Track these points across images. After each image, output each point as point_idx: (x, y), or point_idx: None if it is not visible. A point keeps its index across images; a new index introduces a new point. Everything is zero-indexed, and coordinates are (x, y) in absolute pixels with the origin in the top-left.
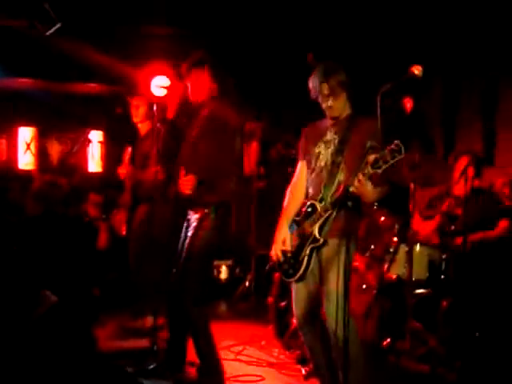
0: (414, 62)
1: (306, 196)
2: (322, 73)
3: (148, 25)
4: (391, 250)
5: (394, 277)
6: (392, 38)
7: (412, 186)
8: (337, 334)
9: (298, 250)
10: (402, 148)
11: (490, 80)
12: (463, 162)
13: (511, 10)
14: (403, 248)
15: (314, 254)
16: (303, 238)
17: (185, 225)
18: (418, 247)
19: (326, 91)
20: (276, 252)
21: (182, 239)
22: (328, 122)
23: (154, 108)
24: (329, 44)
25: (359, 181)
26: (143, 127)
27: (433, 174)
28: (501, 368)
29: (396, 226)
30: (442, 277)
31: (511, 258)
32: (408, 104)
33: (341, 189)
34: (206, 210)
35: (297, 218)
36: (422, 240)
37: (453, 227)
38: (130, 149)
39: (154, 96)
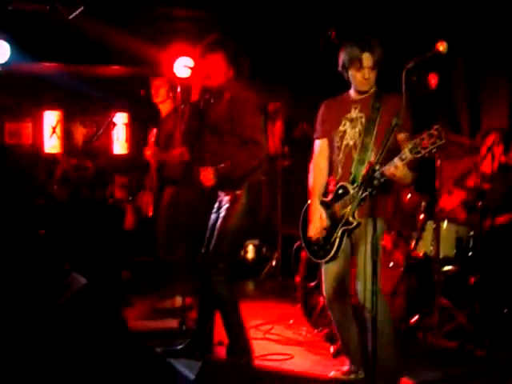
0: (439, 38)
1: (330, 174)
2: (367, 43)
3: (171, 6)
4: (418, 227)
5: (421, 254)
6: (416, 14)
7: (438, 162)
8: (367, 311)
9: (328, 231)
10: (442, 133)
11: None
12: (491, 138)
13: None
14: (430, 225)
15: (346, 236)
16: (334, 220)
17: (216, 205)
18: (445, 224)
19: (368, 62)
20: (315, 231)
21: (212, 220)
22: (349, 99)
23: (178, 89)
24: (351, 20)
25: (397, 166)
26: (164, 108)
27: (459, 150)
28: None
29: (423, 203)
30: (470, 253)
31: None
32: (433, 80)
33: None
34: (238, 192)
35: (325, 199)
36: (449, 217)
37: (480, 203)
38: (155, 130)
39: (178, 77)
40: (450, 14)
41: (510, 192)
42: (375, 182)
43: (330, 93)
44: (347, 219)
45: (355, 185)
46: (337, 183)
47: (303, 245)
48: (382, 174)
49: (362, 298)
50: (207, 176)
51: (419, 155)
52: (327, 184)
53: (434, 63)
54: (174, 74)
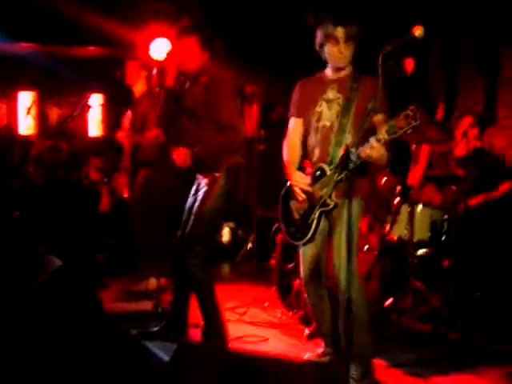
0: (414, 22)
1: (305, 157)
2: (341, 17)
3: None
4: (393, 210)
5: (396, 238)
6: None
7: (413, 147)
8: (342, 293)
9: (305, 213)
10: (418, 114)
11: (490, 39)
12: (466, 121)
13: None
14: (405, 209)
15: (323, 217)
16: (312, 202)
17: (194, 188)
18: (419, 208)
19: (341, 35)
20: (300, 187)
21: (189, 203)
22: (326, 78)
23: (154, 71)
24: (328, 4)
25: (373, 147)
26: (137, 89)
27: (433, 135)
28: (502, 327)
29: (397, 187)
30: (444, 237)
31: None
32: (409, 64)
33: (344, 152)
34: (216, 174)
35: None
36: (424, 201)
37: (454, 187)
38: (129, 113)
39: (153, 59)
40: None
41: (484, 176)
42: (351, 164)
43: (308, 76)
44: (324, 201)
45: (332, 166)
46: (314, 165)
47: (281, 226)
48: (359, 156)
49: (338, 280)
50: (180, 156)
51: (395, 135)
52: (304, 168)
53: (411, 48)
54: (150, 55)
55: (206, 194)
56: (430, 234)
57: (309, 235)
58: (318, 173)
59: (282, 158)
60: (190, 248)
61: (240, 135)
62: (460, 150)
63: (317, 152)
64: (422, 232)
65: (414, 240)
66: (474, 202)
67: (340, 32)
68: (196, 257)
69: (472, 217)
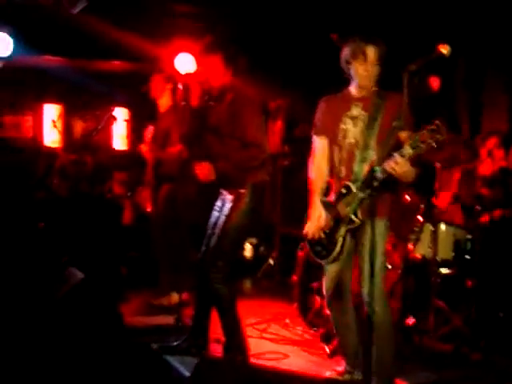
0: (440, 41)
1: (331, 173)
2: (371, 37)
3: (172, 2)
4: (416, 229)
5: (420, 256)
6: (418, 17)
7: (438, 165)
8: (369, 312)
9: (331, 231)
10: (442, 128)
11: None
12: (492, 142)
13: None
14: (428, 227)
15: (349, 235)
16: (337, 220)
17: (218, 203)
18: (443, 227)
19: (372, 55)
20: (312, 230)
21: (214, 218)
22: (349, 96)
23: (180, 86)
24: (353, 22)
25: (396, 162)
26: (162, 104)
27: (458, 153)
28: None
29: (421, 206)
30: (467, 257)
31: None
32: (435, 83)
33: (369, 170)
34: (241, 191)
35: (327, 199)
36: (448, 220)
37: (478, 207)
38: (151, 127)
39: (178, 73)
40: (451, 16)
41: (509, 196)
42: (375, 182)
43: (332, 92)
44: (350, 218)
45: (357, 184)
46: (339, 182)
47: (307, 245)
48: (384, 171)
49: (366, 299)
50: (203, 170)
51: (420, 150)
52: (329, 184)
53: (436, 66)
54: (175, 70)
55: (231, 210)
56: (453, 253)
57: (334, 253)
58: (344, 190)
59: (308, 178)
60: (214, 263)
61: (264, 152)
62: (485, 169)
63: (343, 169)
64: (445, 251)
65: (438, 259)
66: (496, 214)
67: (370, 51)
68: (219, 272)
69: (496, 237)
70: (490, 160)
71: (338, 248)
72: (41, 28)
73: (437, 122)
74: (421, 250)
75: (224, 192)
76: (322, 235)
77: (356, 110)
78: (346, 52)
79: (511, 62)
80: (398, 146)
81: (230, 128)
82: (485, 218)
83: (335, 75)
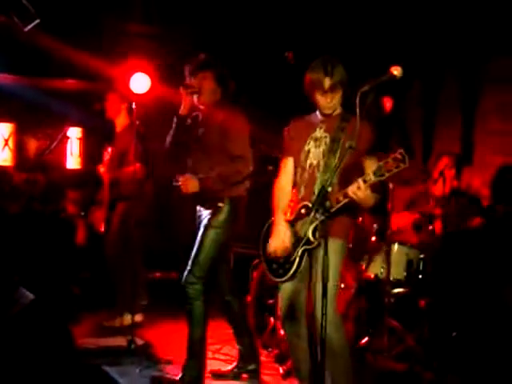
0: (393, 62)
1: (295, 194)
2: (327, 66)
3: (127, 22)
4: (369, 249)
5: (372, 276)
6: (371, 38)
7: (391, 185)
8: (318, 331)
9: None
10: (406, 157)
11: (469, 80)
12: (443, 162)
13: (489, 10)
14: (381, 247)
15: (306, 255)
16: (295, 239)
17: (198, 221)
18: (396, 247)
19: (327, 85)
20: (277, 247)
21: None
22: (316, 118)
23: (133, 105)
24: (308, 43)
25: (359, 187)
26: (119, 123)
27: (411, 174)
28: (477, 367)
29: (374, 226)
30: (420, 276)
31: (486, 259)
32: (387, 103)
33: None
34: (219, 204)
35: (286, 218)
36: (401, 239)
37: (431, 227)
38: (110, 149)
39: (133, 93)
40: (406, 37)
41: (460, 215)
42: (327, 202)
43: (289, 114)
44: (308, 239)
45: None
46: (299, 202)
47: (263, 263)
48: (345, 195)
49: (318, 322)
50: (186, 183)
51: (382, 178)
52: (294, 205)
53: (389, 87)
54: (130, 89)
55: (209, 224)
56: (406, 273)
57: (291, 273)
58: (303, 210)
59: (272, 197)
60: (190, 278)
61: (249, 167)
62: (438, 189)
63: (302, 190)
64: (398, 271)
65: (391, 279)
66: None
67: (327, 82)
68: (194, 287)
69: (448, 257)
70: (440, 180)
71: (294, 267)
72: None
73: (401, 150)
74: (374, 270)
75: (200, 208)
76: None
77: (319, 132)
78: (306, 81)
79: (466, 82)
80: (357, 170)
81: (220, 145)
82: (437, 229)
83: (293, 94)
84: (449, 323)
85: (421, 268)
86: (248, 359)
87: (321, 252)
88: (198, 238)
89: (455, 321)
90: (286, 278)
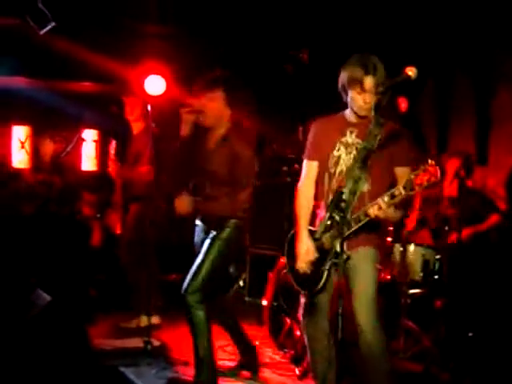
0: (408, 63)
1: (321, 200)
2: (369, 65)
3: (142, 23)
4: (386, 250)
5: (389, 277)
6: (386, 39)
7: None
8: (368, 343)
9: (316, 262)
10: (439, 171)
11: (483, 79)
12: (454, 163)
13: (501, 8)
14: (397, 248)
15: (334, 268)
16: (322, 252)
17: (201, 229)
18: (412, 247)
19: (369, 86)
20: (302, 266)
21: (197, 245)
22: (345, 121)
23: (148, 107)
24: (321, 44)
25: (380, 207)
26: (136, 126)
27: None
28: (494, 368)
29: (390, 227)
30: (436, 277)
31: (503, 259)
32: (402, 104)
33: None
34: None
35: (313, 229)
36: (417, 241)
37: (446, 228)
38: (114, 142)
39: (148, 95)
40: (421, 37)
41: (474, 215)
42: (342, 204)
43: (302, 114)
44: (336, 252)
45: (343, 215)
46: (326, 211)
47: (289, 274)
48: (366, 214)
49: (360, 328)
50: (181, 203)
51: (413, 192)
52: (315, 208)
53: (404, 87)
54: (145, 91)
55: (216, 235)
56: (422, 273)
57: (319, 286)
58: (329, 222)
59: (294, 204)
60: (190, 288)
61: (250, 196)
62: (450, 190)
63: (330, 197)
64: (414, 272)
65: (407, 280)
66: (464, 233)
67: (368, 81)
68: (195, 297)
69: (464, 257)
70: (454, 181)
71: (322, 281)
72: (9, 49)
73: (432, 162)
74: (390, 271)
75: (200, 223)
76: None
77: (350, 137)
78: (342, 78)
79: (479, 81)
80: (384, 178)
81: (226, 176)
82: (452, 238)
83: (306, 95)
84: (465, 324)
85: (437, 268)
86: (250, 357)
87: (353, 263)
88: (204, 248)
89: (471, 321)
90: (313, 291)
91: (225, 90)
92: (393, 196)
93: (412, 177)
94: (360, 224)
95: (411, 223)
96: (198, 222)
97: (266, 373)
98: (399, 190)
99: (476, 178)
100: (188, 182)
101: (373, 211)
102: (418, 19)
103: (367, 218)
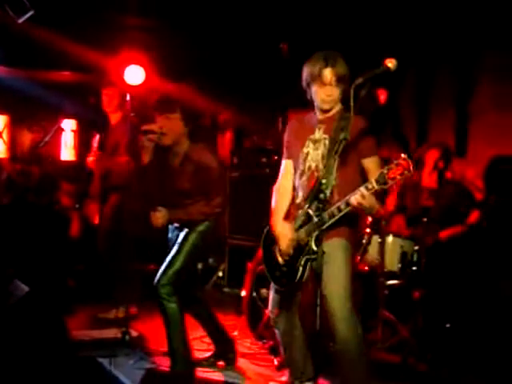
0: (387, 54)
1: (294, 198)
2: (329, 58)
3: (122, 14)
4: (364, 241)
5: (367, 268)
6: (367, 30)
7: None
8: (340, 332)
9: (291, 259)
10: (411, 164)
11: (463, 72)
12: (433, 154)
13: (484, 3)
14: (375, 239)
15: (309, 264)
16: (297, 247)
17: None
18: (390, 238)
19: (329, 78)
20: (283, 245)
21: (171, 241)
22: (314, 119)
23: (127, 98)
24: (301, 35)
25: (363, 196)
26: (114, 117)
27: None
28: (471, 359)
29: (369, 218)
30: (414, 268)
31: (481, 249)
32: (382, 96)
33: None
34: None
35: (287, 223)
36: (394, 231)
37: (424, 219)
38: (98, 136)
39: (127, 85)
40: (399, 29)
41: (453, 207)
42: (321, 195)
43: (282, 104)
44: (311, 248)
45: (317, 212)
46: (298, 207)
47: (264, 269)
48: (347, 204)
49: (333, 322)
50: (156, 218)
51: (386, 186)
52: (294, 209)
53: (383, 78)
54: (124, 81)
55: (191, 228)
56: (400, 264)
57: (294, 282)
58: (303, 217)
59: (271, 200)
60: (163, 280)
61: (224, 201)
62: (429, 181)
63: (300, 195)
64: (392, 263)
65: (385, 270)
66: (444, 234)
67: (328, 73)
68: (168, 289)
69: (442, 248)
70: (433, 172)
71: (298, 277)
72: None
73: (404, 156)
74: (368, 262)
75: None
76: (282, 262)
77: (318, 133)
78: (305, 74)
79: (460, 73)
80: (354, 169)
81: (195, 188)
82: (429, 240)
83: (284, 86)
84: (443, 315)
85: (415, 260)
86: (225, 347)
87: (326, 257)
88: (179, 241)
89: (449, 313)
90: (288, 287)
91: (181, 108)
92: (367, 189)
93: (385, 171)
94: (341, 214)
95: (388, 208)
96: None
97: (244, 363)
98: (372, 184)
99: (455, 169)
100: (161, 201)
101: (355, 199)
102: (400, 10)
103: (348, 208)
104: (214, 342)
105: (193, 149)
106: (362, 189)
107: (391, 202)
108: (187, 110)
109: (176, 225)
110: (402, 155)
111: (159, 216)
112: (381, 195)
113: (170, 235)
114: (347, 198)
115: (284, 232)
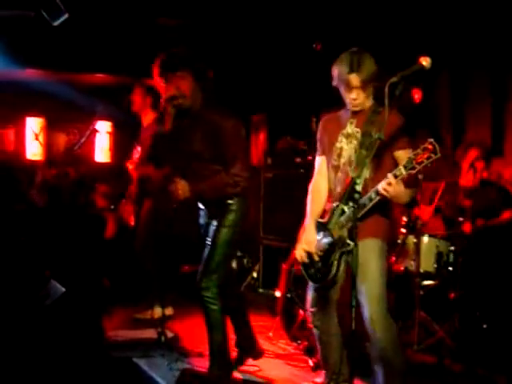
0: (423, 53)
1: (330, 194)
2: (353, 63)
3: (157, 16)
4: (399, 241)
5: (402, 268)
6: (400, 29)
7: (420, 177)
8: (375, 332)
9: (325, 254)
10: (437, 147)
11: (499, 70)
12: (472, 154)
13: None
14: (411, 239)
15: (344, 258)
16: (331, 243)
17: (203, 216)
18: (425, 239)
19: (354, 83)
20: (300, 252)
21: (203, 227)
22: (347, 113)
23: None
24: (335, 34)
25: (390, 183)
26: (145, 118)
27: (440, 167)
28: (508, 359)
29: (404, 218)
30: (450, 268)
31: None
32: (416, 95)
33: (348, 183)
34: (228, 201)
35: (322, 221)
36: (430, 231)
37: (461, 219)
38: (139, 148)
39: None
40: (435, 28)
41: (490, 207)
42: (355, 195)
43: (316, 105)
44: (344, 241)
45: (351, 204)
46: (333, 202)
47: (300, 267)
48: (377, 192)
49: (369, 323)
50: (176, 189)
51: (414, 171)
52: (328, 205)
53: (418, 77)
54: (157, 82)
55: (219, 223)
56: (436, 265)
57: (329, 277)
58: (337, 212)
59: (307, 198)
60: (204, 280)
61: (245, 171)
62: (467, 181)
63: (337, 190)
64: (428, 263)
65: (421, 271)
66: (478, 223)
67: (353, 79)
68: (209, 289)
69: (479, 249)
70: (471, 172)
71: (333, 272)
72: (23, 41)
73: (431, 140)
74: (404, 262)
75: (203, 207)
76: (317, 258)
77: (350, 128)
78: (333, 73)
79: (496, 71)
80: (391, 165)
81: (209, 150)
82: (467, 227)
83: (318, 87)
84: (479, 315)
85: (451, 260)
86: (249, 350)
87: (360, 253)
88: (211, 239)
89: (486, 313)
90: (323, 282)
91: (190, 70)
92: (395, 176)
93: (412, 157)
94: (372, 203)
95: (427, 215)
96: (200, 204)
97: (278, 364)
98: (400, 171)
99: (492, 169)
100: (177, 168)
101: (383, 187)
102: (435, 9)
103: (378, 197)
104: (238, 339)
105: (204, 108)
106: (390, 175)
107: (428, 212)
108: (196, 63)
109: (201, 205)
110: (429, 140)
111: (179, 187)
112: (413, 184)
113: (200, 221)
114: (377, 186)
115: (308, 238)
